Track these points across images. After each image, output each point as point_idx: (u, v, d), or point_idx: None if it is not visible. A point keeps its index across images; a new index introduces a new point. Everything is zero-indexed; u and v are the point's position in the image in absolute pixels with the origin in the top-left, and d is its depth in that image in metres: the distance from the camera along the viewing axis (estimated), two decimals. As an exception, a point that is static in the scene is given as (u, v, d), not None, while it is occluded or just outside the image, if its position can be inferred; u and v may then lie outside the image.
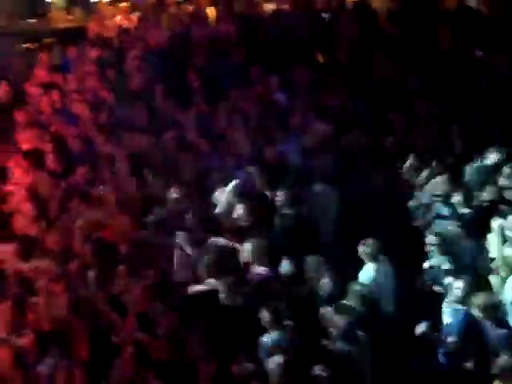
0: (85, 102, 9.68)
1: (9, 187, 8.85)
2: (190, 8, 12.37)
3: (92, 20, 12.11)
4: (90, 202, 7.68)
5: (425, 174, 7.71)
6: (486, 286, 6.29)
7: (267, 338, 5.57)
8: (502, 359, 5.30)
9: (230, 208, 7.24)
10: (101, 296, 6.28)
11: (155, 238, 7.02)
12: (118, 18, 12.25)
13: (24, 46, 12.04)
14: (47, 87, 10.27)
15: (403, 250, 6.94)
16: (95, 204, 7.66)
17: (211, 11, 11.72)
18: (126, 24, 11.96)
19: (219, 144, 8.51)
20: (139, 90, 9.82)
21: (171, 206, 7.39)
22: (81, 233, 7.17)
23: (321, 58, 10.24)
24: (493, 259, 6.70)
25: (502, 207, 7.02)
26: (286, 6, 11.43)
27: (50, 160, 8.73)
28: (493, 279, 6.48)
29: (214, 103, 9.21)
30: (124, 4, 12.50)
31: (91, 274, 6.59)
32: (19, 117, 9.75)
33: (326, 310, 5.87)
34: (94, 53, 10.82)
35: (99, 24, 11.90)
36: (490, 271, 6.60)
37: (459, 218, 7.02)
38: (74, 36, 11.82)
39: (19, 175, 8.91)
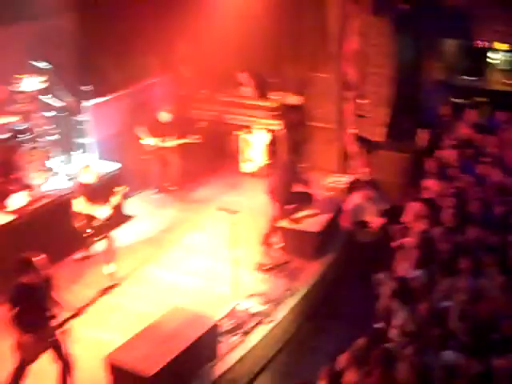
0: (498, 167, 9.33)
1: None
2: None
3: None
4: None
5: None
6: None
7: None
8: None
9: None
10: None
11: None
12: None
13: (454, 100, 12.29)
14: (464, 144, 10.21)
15: None
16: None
17: None
18: None
19: None
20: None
21: None
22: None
23: None
24: None
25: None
26: None
27: (447, 214, 8.58)
28: None
29: None
30: None
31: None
32: (429, 164, 9.89)
33: None
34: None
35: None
36: None
37: None
38: (506, 99, 11.62)
39: (411, 219, 9.04)
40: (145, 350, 6.79)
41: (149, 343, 6.94)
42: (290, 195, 9.54)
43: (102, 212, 8.57)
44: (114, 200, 8.65)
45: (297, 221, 9.55)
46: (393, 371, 5.97)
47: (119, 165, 10.30)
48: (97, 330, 7.89)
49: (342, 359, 6.57)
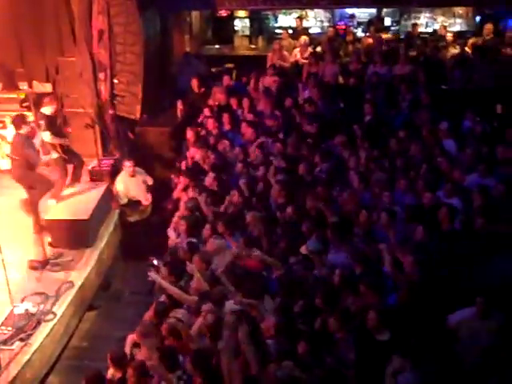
0: (252, 127, 9.79)
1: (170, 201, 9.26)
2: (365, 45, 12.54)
3: (272, 50, 12.43)
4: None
5: None
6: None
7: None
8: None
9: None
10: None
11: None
12: (297, 50, 12.48)
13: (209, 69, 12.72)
14: (222, 109, 10.55)
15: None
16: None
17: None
18: (302, 56, 12.24)
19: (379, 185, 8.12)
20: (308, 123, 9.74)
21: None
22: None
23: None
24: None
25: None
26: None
27: (209, 180, 8.86)
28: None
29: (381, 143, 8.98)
30: (304, 37, 12.70)
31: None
32: (189, 135, 10.09)
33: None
34: (269, 80, 11.00)
35: (278, 54, 12.19)
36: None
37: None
38: (254, 63, 12.23)
39: (179, 191, 9.24)
40: None
41: None
42: (35, 179, 9.18)
43: None
44: None
45: (63, 210, 9.27)
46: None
47: None
48: None
49: (130, 339, 6.62)
